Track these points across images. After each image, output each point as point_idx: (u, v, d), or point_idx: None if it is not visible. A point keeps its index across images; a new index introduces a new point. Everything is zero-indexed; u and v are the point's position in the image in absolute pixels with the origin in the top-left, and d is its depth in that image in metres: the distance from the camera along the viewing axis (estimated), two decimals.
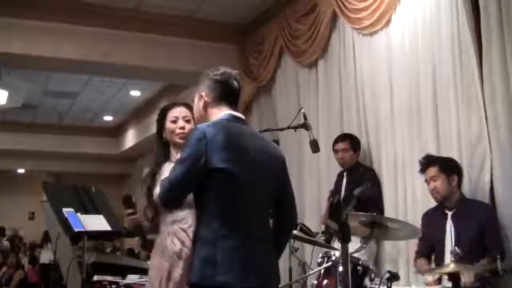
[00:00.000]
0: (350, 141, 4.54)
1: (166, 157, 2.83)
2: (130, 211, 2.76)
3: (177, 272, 2.62)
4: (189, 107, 2.84)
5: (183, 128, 2.76)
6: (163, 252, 2.66)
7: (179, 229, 2.66)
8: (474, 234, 3.22)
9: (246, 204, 2.18)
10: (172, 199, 2.22)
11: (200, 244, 2.15)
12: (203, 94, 2.34)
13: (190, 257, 2.18)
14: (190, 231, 2.64)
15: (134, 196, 2.84)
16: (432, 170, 3.43)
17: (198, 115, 2.41)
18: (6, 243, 12.32)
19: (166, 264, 2.63)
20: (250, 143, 2.24)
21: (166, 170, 2.77)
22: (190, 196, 2.47)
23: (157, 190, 2.72)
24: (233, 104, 2.35)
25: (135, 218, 2.77)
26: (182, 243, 2.64)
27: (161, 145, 2.85)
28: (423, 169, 3.50)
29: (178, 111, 2.81)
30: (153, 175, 2.78)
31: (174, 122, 2.78)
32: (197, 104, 2.39)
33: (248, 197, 2.19)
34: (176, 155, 2.79)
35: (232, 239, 2.12)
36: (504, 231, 3.39)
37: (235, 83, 2.36)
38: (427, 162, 3.48)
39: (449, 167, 3.41)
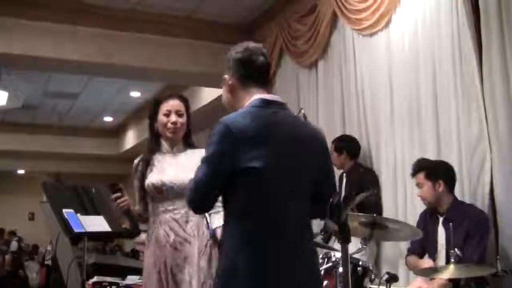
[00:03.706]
0: (333, 144, 4.50)
1: (157, 148, 2.82)
2: (117, 194, 2.74)
3: (172, 262, 2.63)
4: (183, 99, 2.84)
5: (175, 123, 2.75)
6: (157, 241, 2.68)
7: (170, 219, 2.67)
8: (463, 240, 3.13)
9: (278, 204, 1.91)
10: (200, 201, 1.96)
11: (225, 251, 1.91)
12: (226, 77, 2.08)
13: (218, 268, 2.00)
14: (182, 221, 2.66)
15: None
16: (419, 177, 3.41)
17: (226, 102, 2.11)
18: (14, 243, 12.37)
19: (161, 253, 2.65)
20: (286, 134, 1.95)
21: (157, 161, 2.79)
22: (182, 188, 2.49)
23: (150, 177, 2.72)
24: (262, 84, 2.07)
25: (124, 200, 2.75)
26: (176, 233, 2.65)
27: (153, 136, 2.84)
28: (412, 175, 3.49)
29: (171, 105, 2.78)
30: (147, 162, 2.77)
31: (167, 115, 2.76)
32: (223, 90, 2.12)
33: (281, 197, 1.92)
34: (167, 147, 2.80)
35: (261, 247, 1.87)
36: (503, 231, 3.38)
37: (261, 58, 2.07)
38: (416, 168, 3.45)
39: (435, 173, 3.34)
